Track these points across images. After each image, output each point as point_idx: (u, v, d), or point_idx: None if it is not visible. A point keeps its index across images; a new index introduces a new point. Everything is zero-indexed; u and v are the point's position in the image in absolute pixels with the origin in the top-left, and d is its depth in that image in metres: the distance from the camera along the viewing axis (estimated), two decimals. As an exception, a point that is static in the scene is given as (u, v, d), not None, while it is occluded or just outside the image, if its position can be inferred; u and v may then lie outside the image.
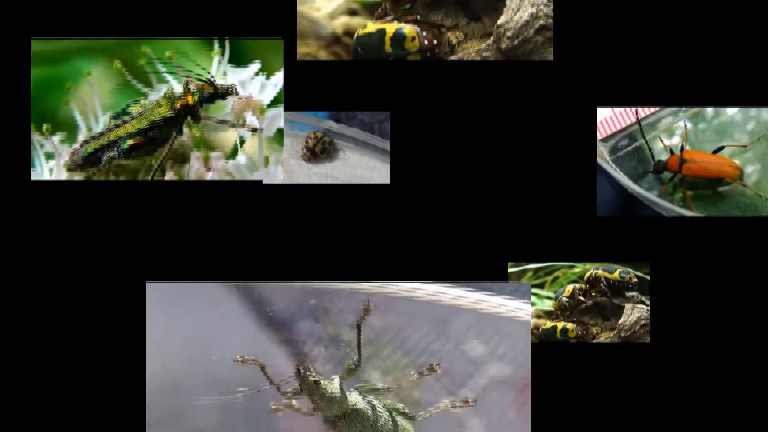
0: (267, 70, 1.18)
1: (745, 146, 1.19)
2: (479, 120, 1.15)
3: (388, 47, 1.16)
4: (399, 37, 1.16)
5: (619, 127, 1.18)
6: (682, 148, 1.19)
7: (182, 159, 1.17)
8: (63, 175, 1.17)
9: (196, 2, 1.16)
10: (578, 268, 1.17)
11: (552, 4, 1.15)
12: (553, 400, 1.13)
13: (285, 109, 1.15)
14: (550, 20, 1.15)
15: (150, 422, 1.12)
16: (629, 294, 1.15)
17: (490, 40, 1.16)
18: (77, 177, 1.17)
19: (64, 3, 1.16)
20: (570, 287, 1.17)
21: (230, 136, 1.17)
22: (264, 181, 1.14)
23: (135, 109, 1.18)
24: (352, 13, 1.19)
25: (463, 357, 1.11)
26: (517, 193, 1.14)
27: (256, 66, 1.18)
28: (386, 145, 1.15)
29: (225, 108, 1.18)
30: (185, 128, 1.17)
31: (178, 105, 1.16)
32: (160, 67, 1.18)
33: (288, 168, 1.15)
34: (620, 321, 1.15)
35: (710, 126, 1.20)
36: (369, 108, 1.15)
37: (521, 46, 1.15)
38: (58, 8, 1.16)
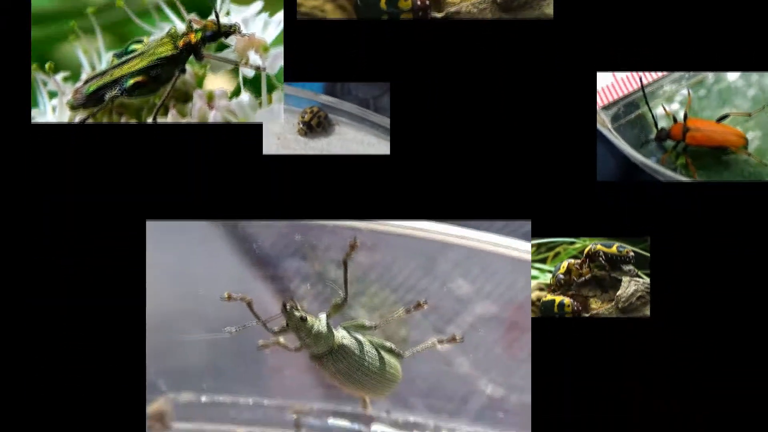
0: (269, 9, 1.17)
1: (749, 114, 1.15)
2: (478, 85, 1.13)
3: (383, 4, 1.15)
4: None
5: (621, 95, 1.16)
6: (685, 116, 1.16)
7: (185, 97, 1.18)
8: (66, 113, 1.19)
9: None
10: (578, 243, 1.16)
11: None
12: (553, 374, 1.13)
13: (285, 80, 1.15)
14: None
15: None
16: (626, 267, 1.15)
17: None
18: (80, 115, 1.18)
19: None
20: (565, 263, 1.16)
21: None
22: (264, 122, 1.14)
23: (138, 47, 1.19)
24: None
25: (450, 294, 1.11)
26: (517, 160, 1.13)
27: (258, 4, 1.18)
28: (382, 120, 1.14)
29: (229, 46, 1.18)
30: (188, 66, 1.17)
31: (180, 43, 1.16)
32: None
33: (285, 143, 1.15)
34: (618, 293, 1.15)
35: (711, 93, 1.16)
36: (369, 72, 1.14)
37: (519, -4, 1.13)
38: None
